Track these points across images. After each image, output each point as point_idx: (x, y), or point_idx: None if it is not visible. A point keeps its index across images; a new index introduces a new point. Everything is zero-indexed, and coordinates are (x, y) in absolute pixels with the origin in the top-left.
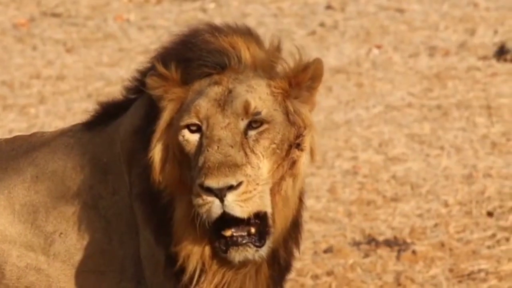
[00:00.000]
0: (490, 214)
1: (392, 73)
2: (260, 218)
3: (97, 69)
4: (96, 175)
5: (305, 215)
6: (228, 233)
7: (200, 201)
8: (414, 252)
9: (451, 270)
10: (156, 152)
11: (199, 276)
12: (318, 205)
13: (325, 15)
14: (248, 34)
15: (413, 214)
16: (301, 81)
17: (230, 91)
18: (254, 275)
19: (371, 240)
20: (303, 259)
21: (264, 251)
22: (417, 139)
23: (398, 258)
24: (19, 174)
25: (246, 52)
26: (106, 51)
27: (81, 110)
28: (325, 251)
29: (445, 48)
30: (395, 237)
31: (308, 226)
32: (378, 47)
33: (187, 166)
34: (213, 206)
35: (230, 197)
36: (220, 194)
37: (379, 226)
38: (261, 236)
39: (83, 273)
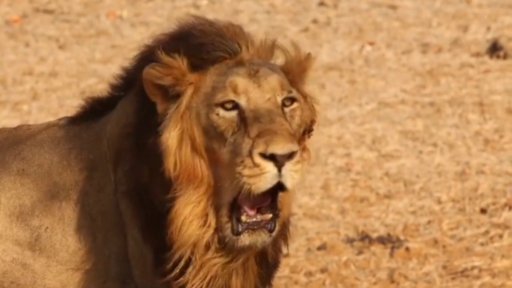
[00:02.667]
0: (483, 211)
1: (385, 70)
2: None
3: (89, 65)
4: (82, 171)
5: (299, 212)
6: (249, 217)
7: (257, 171)
8: (407, 249)
9: (444, 267)
10: (172, 138)
11: (185, 268)
12: (311, 202)
13: (318, 11)
14: (241, 29)
15: (406, 211)
16: (304, 69)
17: (256, 71)
18: (241, 272)
19: (365, 237)
20: (297, 256)
21: (272, 237)
22: (410, 136)
23: (391, 255)
24: (5, 167)
25: (249, 42)
26: (98, 47)
27: (74, 107)
28: (319, 248)
29: (438, 44)
30: (388, 234)
31: (302, 223)
32: (371, 44)
33: (208, 148)
34: (268, 176)
35: (288, 166)
36: (281, 161)
37: (373, 223)
38: (274, 222)
39: (68, 270)
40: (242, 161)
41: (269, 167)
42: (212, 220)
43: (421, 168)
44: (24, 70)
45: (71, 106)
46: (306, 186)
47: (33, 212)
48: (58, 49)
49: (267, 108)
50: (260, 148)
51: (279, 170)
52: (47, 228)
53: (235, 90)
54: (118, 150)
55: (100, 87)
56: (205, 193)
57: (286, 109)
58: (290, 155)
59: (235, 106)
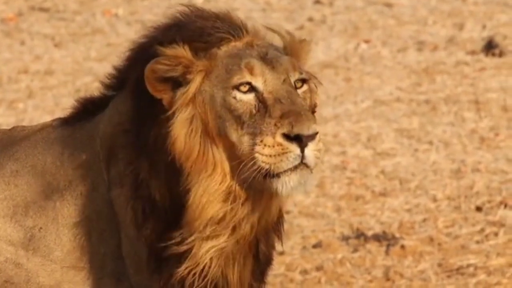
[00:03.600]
0: (478, 208)
1: (380, 67)
2: None
3: (85, 64)
4: (75, 171)
5: (294, 210)
6: None
7: (278, 150)
8: (403, 247)
9: (440, 265)
10: (181, 124)
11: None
12: (307, 200)
13: (313, 9)
14: (234, 14)
15: (401, 209)
16: (303, 51)
17: (266, 53)
18: (243, 263)
19: (360, 235)
20: (292, 254)
21: (314, 176)
22: (405, 134)
23: (387, 253)
24: None
25: (245, 25)
26: (94, 46)
27: (69, 105)
28: (314, 246)
29: (434, 42)
30: (384, 232)
31: (297, 221)
32: (367, 41)
33: (221, 132)
34: (291, 156)
35: (311, 146)
36: (305, 141)
37: (368, 221)
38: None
39: (62, 268)
40: (262, 140)
41: (292, 147)
42: (241, 194)
43: (417, 166)
44: (20, 68)
45: (67, 104)
46: None
47: (27, 212)
48: (54, 47)
49: (286, 89)
50: (285, 129)
51: (302, 151)
52: (41, 228)
53: (251, 72)
54: (111, 149)
55: (95, 85)
56: (223, 181)
57: (298, 91)
58: (313, 136)
59: (251, 88)
